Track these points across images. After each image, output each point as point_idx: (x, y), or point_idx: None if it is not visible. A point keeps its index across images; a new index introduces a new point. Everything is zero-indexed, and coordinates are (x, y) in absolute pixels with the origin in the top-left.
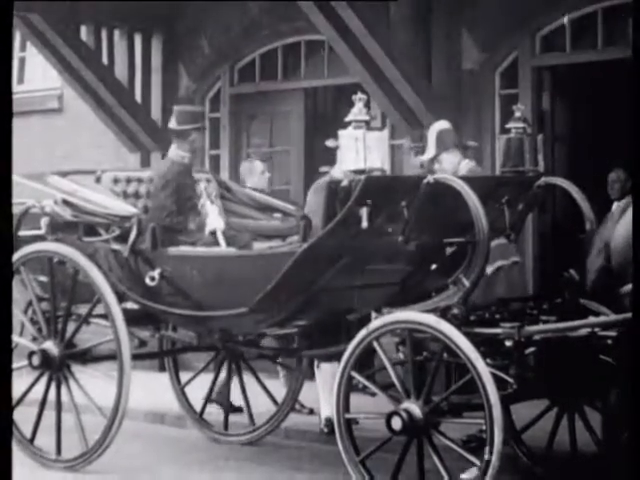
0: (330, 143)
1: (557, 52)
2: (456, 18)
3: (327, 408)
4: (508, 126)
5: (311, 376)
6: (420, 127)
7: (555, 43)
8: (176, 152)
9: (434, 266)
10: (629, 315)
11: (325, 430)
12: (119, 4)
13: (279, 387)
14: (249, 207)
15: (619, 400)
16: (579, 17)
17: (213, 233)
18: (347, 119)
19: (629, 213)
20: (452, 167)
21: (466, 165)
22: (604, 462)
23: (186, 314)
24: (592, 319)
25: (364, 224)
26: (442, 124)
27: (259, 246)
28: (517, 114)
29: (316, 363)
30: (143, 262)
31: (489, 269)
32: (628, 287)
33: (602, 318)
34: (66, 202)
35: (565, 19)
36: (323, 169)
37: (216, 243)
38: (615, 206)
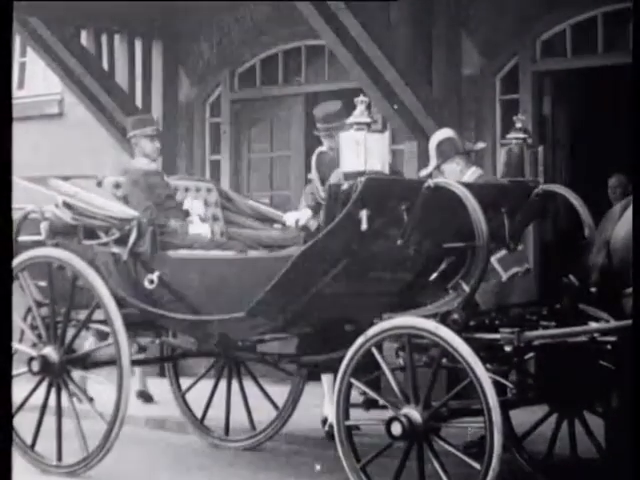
0: None
1: (558, 57)
2: (456, 23)
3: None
4: (509, 137)
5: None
6: (421, 132)
7: (555, 48)
8: (138, 160)
9: (434, 274)
10: (628, 322)
11: (325, 436)
12: (119, 9)
13: (280, 393)
14: (250, 217)
15: (620, 405)
16: (579, 22)
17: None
18: (348, 121)
19: (629, 213)
20: (455, 177)
21: (473, 174)
22: (605, 467)
23: (184, 318)
24: (592, 325)
25: (363, 226)
26: (442, 133)
27: (257, 255)
28: (518, 125)
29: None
30: (142, 265)
31: (504, 276)
32: (631, 289)
33: (601, 325)
34: (67, 204)
35: None
36: (311, 176)
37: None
38: (616, 206)
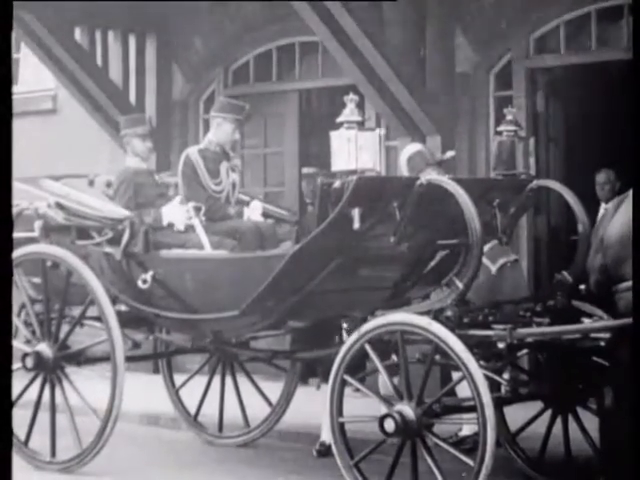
0: None
1: (551, 54)
2: (450, 19)
3: (327, 431)
4: (500, 129)
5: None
6: (415, 128)
7: (549, 45)
8: (129, 159)
9: (427, 269)
10: (621, 321)
11: (315, 454)
12: (113, 5)
13: (274, 389)
14: None
15: (614, 401)
16: (573, 19)
17: (170, 225)
18: (339, 120)
19: (622, 210)
20: None
21: None
22: (599, 464)
23: (178, 317)
24: (584, 324)
25: (356, 225)
26: (411, 148)
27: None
28: (509, 117)
29: (317, 384)
30: (135, 265)
31: (493, 268)
32: (625, 284)
33: (594, 324)
34: (59, 205)
35: None
36: (305, 171)
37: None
38: (609, 204)
